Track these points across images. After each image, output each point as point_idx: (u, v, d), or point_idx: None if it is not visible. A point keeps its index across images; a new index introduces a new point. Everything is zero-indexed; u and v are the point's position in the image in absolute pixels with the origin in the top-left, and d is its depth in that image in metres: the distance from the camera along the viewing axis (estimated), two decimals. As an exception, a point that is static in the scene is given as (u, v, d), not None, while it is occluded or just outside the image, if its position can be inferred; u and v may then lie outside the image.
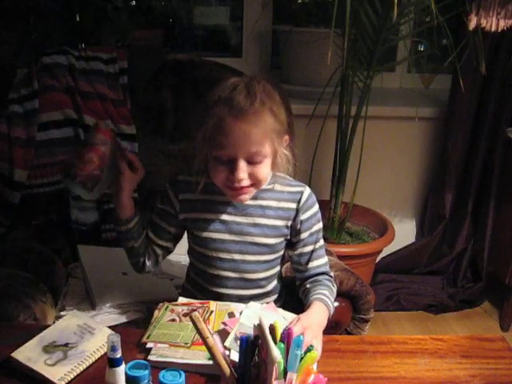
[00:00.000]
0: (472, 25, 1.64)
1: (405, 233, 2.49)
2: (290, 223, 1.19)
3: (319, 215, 1.22)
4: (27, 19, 1.99)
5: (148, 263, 1.23)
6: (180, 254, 1.38)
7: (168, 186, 1.21)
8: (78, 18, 2.02)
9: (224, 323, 1.08)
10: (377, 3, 1.79)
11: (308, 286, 1.19)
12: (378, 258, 2.27)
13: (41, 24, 1.99)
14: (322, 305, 1.12)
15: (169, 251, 1.27)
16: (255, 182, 1.10)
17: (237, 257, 1.18)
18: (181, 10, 2.67)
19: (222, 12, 2.70)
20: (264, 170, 1.09)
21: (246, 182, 1.09)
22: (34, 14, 1.98)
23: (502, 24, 1.62)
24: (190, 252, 1.25)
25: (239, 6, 2.42)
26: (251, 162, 1.07)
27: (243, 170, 1.06)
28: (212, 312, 1.12)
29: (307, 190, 1.20)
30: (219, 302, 1.16)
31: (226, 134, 1.04)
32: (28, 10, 1.95)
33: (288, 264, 1.34)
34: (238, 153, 1.05)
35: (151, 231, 1.23)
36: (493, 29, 1.63)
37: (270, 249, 1.20)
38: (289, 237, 1.21)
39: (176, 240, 1.26)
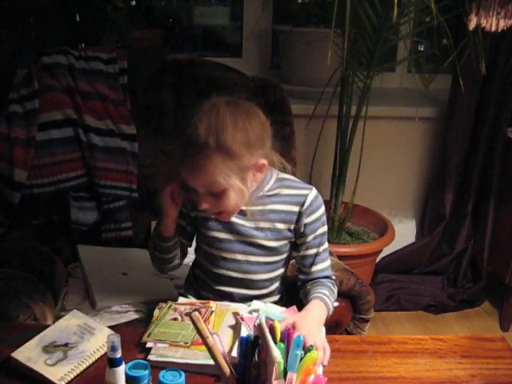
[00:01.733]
0: (472, 25, 1.64)
1: (405, 233, 2.49)
2: (292, 226, 1.18)
3: (324, 218, 1.20)
4: (27, 19, 1.98)
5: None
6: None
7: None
8: (77, 18, 2.02)
9: (241, 318, 1.08)
10: (377, 3, 1.79)
11: (309, 287, 1.20)
12: (378, 258, 2.27)
13: (41, 24, 1.99)
14: (321, 302, 1.12)
15: (188, 247, 1.29)
16: (223, 211, 1.11)
17: (240, 257, 1.18)
18: (181, 10, 2.67)
19: (221, 12, 2.70)
20: (228, 201, 1.08)
21: (213, 211, 1.11)
22: (34, 14, 1.97)
23: (502, 24, 1.61)
24: (197, 249, 1.26)
25: (239, 6, 2.42)
26: (212, 192, 1.07)
27: (205, 201, 1.08)
28: (212, 312, 1.12)
29: (313, 193, 1.17)
30: (219, 302, 1.17)
31: (182, 167, 1.06)
32: (28, 10, 1.95)
33: (289, 264, 1.33)
34: (195, 185, 1.07)
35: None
36: (493, 29, 1.63)
37: (273, 251, 1.20)
38: (293, 239, 1.20)
39: (192, 236, 1.27)
